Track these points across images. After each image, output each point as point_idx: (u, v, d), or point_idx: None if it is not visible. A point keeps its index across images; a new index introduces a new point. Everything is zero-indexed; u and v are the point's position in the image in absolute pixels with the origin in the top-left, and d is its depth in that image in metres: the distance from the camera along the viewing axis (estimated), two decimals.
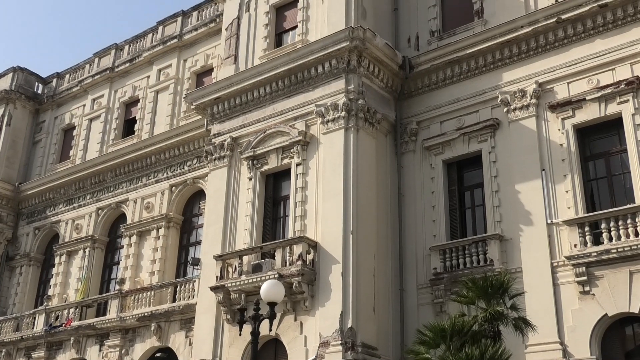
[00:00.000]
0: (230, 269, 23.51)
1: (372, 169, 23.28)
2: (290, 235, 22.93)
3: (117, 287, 29.89)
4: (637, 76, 20.47)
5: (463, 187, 23.67)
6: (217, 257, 23.89)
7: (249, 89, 25.75)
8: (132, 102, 35.17)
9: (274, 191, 24.81)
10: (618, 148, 20.91)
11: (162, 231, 30.28)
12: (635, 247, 18.89)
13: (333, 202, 22.21)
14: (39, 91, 40.59)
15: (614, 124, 20.93)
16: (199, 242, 28.84)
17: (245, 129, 25.75)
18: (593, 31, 21.65)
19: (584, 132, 21.50)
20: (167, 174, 31.26)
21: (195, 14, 33.73)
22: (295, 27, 26.29)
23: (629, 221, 19.30)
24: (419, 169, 24.07)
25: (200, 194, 30.19)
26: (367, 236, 22.16)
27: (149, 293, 28.36)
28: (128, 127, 34.96)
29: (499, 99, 22.78)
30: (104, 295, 30.75)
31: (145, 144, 32.06)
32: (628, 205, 19.59)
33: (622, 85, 20.65)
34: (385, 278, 22.53)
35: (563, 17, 21.89)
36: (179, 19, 34.20)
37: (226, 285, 23.07)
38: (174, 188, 30.87)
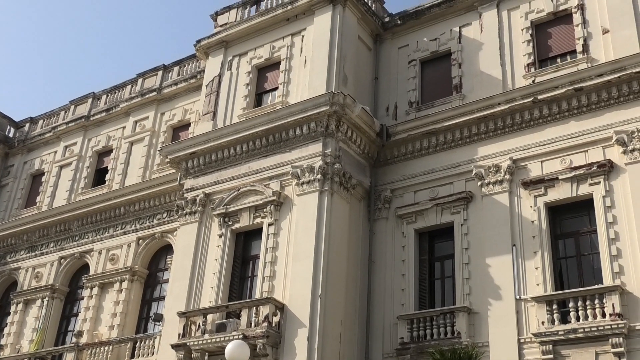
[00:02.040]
0: (193, 327, 23.00)
1: (344, 234, 23.22)
2: (257, 295, 22.58)
3: (74, 339, 28.94)
4: (609, 159, 20.91)
5: (434, 258, 23.69)
6: (181, 314, 23.39)
7: (225, 146, 25.76)
8: (105, 152, 34.86)
9: (244, 250, 24.55)
10: (588, 228, 21.15)
11: (125, 284, 29.53)
12: (602, 327, 18.93)
13: (303, 264, 22.02)
14: (10, 134, 40.14)
15: (585, 205, 21.22)
16: (162, 298, 28.28)
17: (219, 185, 25.63)
18: (568, 113, 22.17)
19: (555, 211, 21.78)
20: (135, 226, 30.77)
21: (176, 69, 33.92)
22: (276, 88, 26.58)
23: (596, 301, 19.40)
24: (391, 236, 24.08)
25: (167, 249, 29.70)
26: (336, 301, 21.90)
27: (106, 348, 27.49)
28: (99, 176, 34.50)
29: (474, 172, 23.07)
30: (59, 347, 29.66)
31: (116, 194, 31.61)
32: (596, 286, 19.72)
33: (594, 167, 21.06)
34: (351, 345, 22.21)
35: (539, 97, 22.43)
36: (160, 72, 34.33)
37: (188, 344, 22.51)
38: (141, 241, 30.32)
